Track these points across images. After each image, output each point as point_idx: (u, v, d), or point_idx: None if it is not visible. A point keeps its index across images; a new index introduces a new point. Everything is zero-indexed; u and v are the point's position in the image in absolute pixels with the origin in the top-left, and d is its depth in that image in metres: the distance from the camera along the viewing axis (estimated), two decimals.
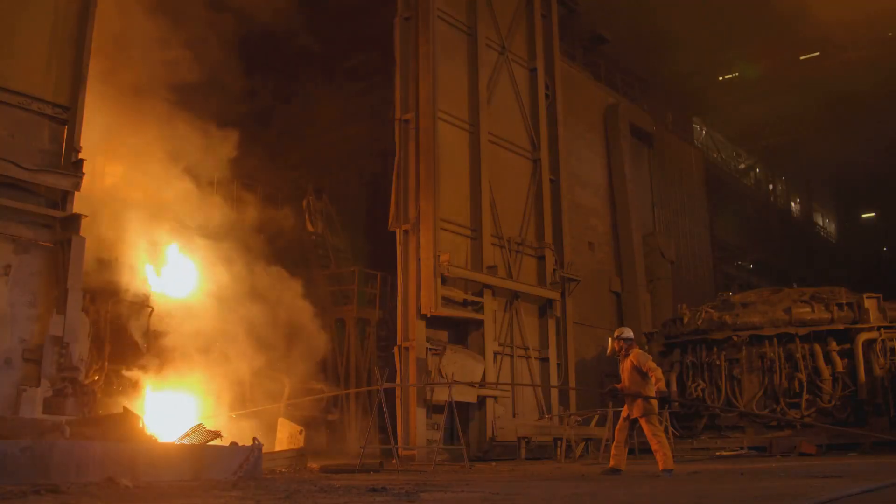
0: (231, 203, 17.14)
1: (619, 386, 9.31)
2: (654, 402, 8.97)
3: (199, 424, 8.47)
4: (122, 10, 11.82)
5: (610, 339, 9.44)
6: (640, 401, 8.92)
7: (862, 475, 7.72)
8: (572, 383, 18.15)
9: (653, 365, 9.05)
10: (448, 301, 15.41)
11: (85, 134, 9.11)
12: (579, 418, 15.81)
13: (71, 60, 9.06)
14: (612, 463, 9.04)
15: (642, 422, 8.89)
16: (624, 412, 9.20)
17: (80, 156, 8.97)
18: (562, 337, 18.50)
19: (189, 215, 13.23)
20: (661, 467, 8.64)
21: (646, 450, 9.15)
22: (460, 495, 6.02)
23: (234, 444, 8.43)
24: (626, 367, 9.16)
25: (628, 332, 9.44)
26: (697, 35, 31.21)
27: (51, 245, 8.71)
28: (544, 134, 19.01)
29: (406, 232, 15.63)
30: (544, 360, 17.86)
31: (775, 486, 6.82)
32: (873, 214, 51.01)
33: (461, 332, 16.33)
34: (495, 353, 16.42)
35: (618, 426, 9.23)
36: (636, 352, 9.22)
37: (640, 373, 9.01)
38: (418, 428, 14.54)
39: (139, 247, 11.91)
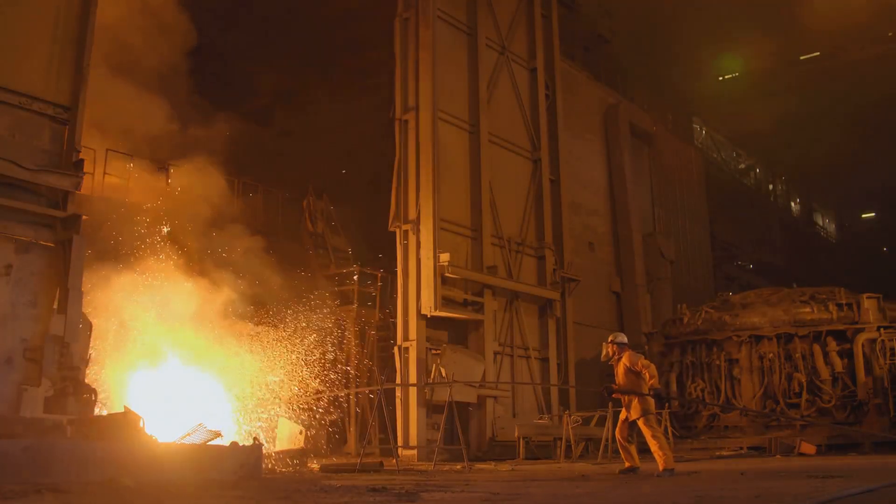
0: (232, 203, 17.13)
1: (614, 385, 9.31)
2: (651, 401, 8.97)
3: (199, 424, 8.47)
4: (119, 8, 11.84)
5: (604, 345, 9.50)
6: (636, 403, 8.90)
7: (862, 475, 7.72)
8: (572, 383, 18.15)
9: (645, 361, 9.06)
10: (448, 301, 15.42)
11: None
12: (579, 418, 15.82)
13: (72, 60, 9.05)
14: (627, 464, 9.04)
15: (640, 423, 8.87)
16: (622, 414, 9.21)
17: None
18: (562, 337, 18.50)
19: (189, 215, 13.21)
20: (661, 467, 8.63)
21: (645, 450, 9.15)
22: (460, 495, 6.03)
23: (234, 443, 8.44)
24: (620, 371, 9.19)
25: (622, 338, 9.49)
26: (697, 35, 31.24)
27: (52, 245, 8.71)
28: (544, 134, 19.02)
29: (406, 232, 15.64)
30: (544, 361, 17.87)
31: (775, 486, 6.82)
32: (873, 214, 51.01)
33: (461, 332, 16.33)
34: (495, 353, 16.44)
35: (618, 428, 9.23)
36: (628, 353, 9.22)
37: (634, 373, 9.00)
38: (418, 428, 14.55)
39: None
